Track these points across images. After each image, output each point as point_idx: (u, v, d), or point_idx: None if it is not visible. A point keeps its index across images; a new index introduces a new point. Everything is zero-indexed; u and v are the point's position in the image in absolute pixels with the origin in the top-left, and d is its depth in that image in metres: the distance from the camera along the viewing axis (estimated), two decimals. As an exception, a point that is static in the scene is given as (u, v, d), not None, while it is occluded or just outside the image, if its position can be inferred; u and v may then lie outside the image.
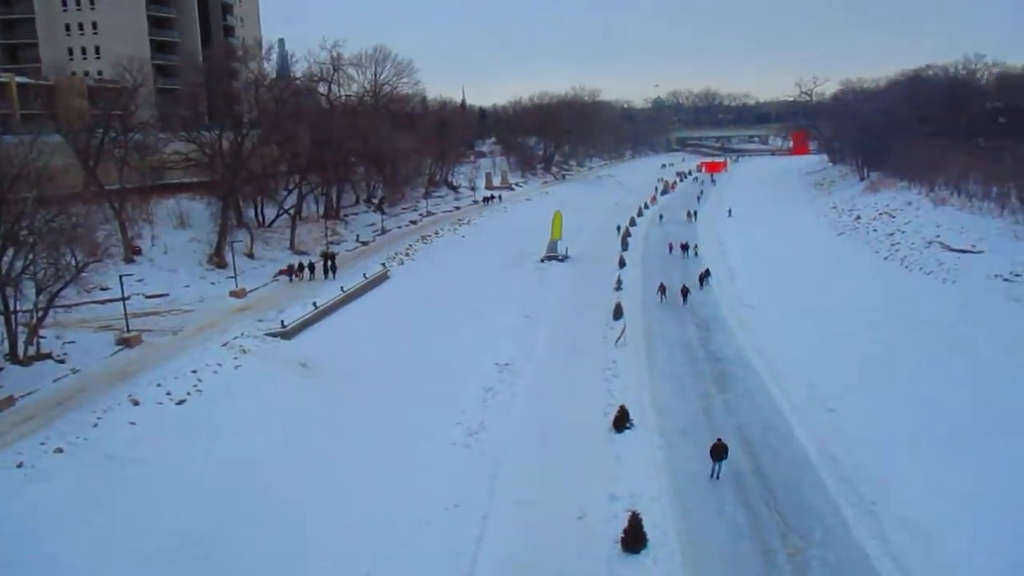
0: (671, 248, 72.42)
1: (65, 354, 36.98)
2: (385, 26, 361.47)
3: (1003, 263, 48.88)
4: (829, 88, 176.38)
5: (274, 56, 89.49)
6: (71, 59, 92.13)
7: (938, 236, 59.04)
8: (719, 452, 26.79)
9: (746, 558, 22.03)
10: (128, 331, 39.69)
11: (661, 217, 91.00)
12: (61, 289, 36.48)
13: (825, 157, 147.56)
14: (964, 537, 22.02)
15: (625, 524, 23.01)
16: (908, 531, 22.74)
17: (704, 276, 58.15)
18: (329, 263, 59.22)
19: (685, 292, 52.69)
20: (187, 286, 52.28)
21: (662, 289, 53.49)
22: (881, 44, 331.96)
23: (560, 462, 29.04)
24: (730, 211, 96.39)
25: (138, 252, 54.27)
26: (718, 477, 26.66)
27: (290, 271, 57.83)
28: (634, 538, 22.70)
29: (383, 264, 63.51)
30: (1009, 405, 30.07)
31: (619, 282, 57.78)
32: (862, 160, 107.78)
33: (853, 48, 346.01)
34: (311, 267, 58.13)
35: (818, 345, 39.64)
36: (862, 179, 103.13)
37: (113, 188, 55.02)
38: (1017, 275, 46.42)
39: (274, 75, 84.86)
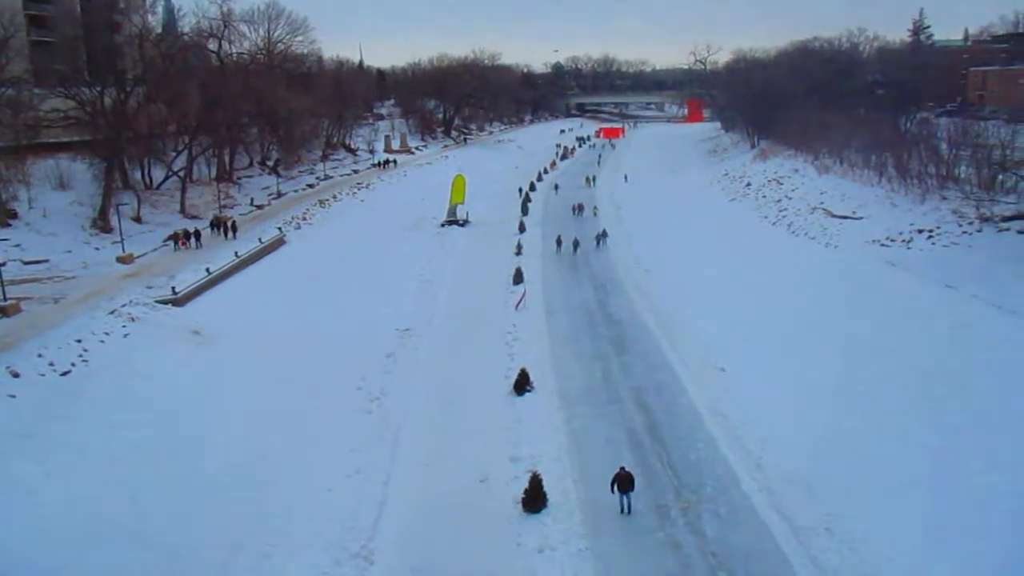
0: (574, 210, 74.62)
1: (-66, 324, 34.68)
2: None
3: (880, 229, 51.65)
4: (722, 57, 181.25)
5: (159, 10, 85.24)
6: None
7: (822, 203, 61.73)
8: (625, 484, 22.60)
9: (642, 514, 22.80)
10: (5, 299, 37.45)
11: (557, 187, 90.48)
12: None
13: (718, 125, 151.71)
14: (842, 487, 23.41)
15: (526, 485, 23.44)
16: (792, 484, 23.98)
17: (601, 236, 60.09)
18: (223, 228, 57.69)
19: (576, 244, 58.01)
20: (69, 251, 49.67)
21: (558, 241, 58.58)
22: (771, 15, 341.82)
23: (462, 426, 29.28)
24: (626, 177, 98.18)
25: (13, 215, 51.16)
26: (629, 511, 22.65)
27: (175, 238, 54.48)
28: (534, 498, 23.16)
29: (279, 229, 61.93)
30: (882, 360, 31.93)
31: (519, 247, 58.17)
32: (752, 128, 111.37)
33: (745, 18, 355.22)
34: (196, 235, 54.86)
35: (710, 308, 41.00)
36: (753, 147, 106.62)
37: (-16, 147, 51.52)
38: (892, 240, 49.14)
39: (160, 29, 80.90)
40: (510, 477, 24.99)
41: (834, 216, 57.62)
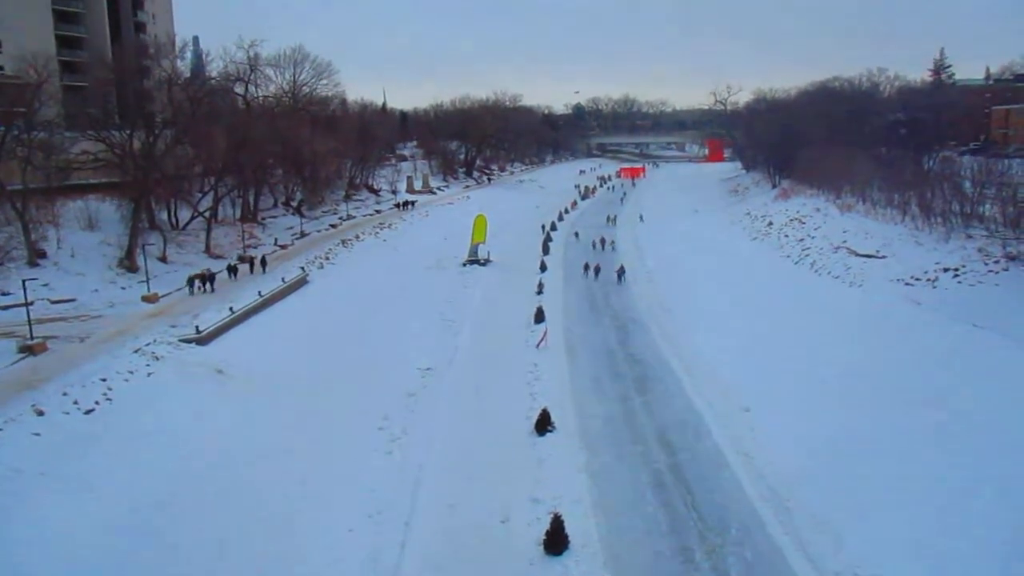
0: (594, 245, 77.54)
1: (-38, 363, 35.10)
2: (304, 27, 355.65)
3: (904, 268, 51.14)
4: (743, 98, 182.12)
5: (188, 54, 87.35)
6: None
7: (845, 242, 61.29)
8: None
9: (665, 557, 22.44)
10: (32, 338, 37.90)
11: (577, 233, 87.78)
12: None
13: (739, 164, 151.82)
14: (872, 533, 22.91)
15: (547, 526, 23.18)
16: (820, 528, 23.52)
17: (620, 272, 62.28)
18: (251, 264, 59.51)
19: (597, 270, 63.82)
20: (96, 291, 50.30)
21: (586, 267, 64.81)
22: (791, 55, 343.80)
23: (483, 466, 29.06)
24: (641, 217, 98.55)
25: (43, 255, 51.97)
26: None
27: (197, 278, 52.89)
28: (556, 540, 22.88)
29: (302, 268, 62.35)
30: (909, 399, 31.40)
31: (540, 286, 58.23)
32: (773, 168, 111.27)
33: (764, 59, 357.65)
34: (210, 278, 53.42)
35: (733, 347, 40.70)
36: (774, 186, 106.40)
37: (16, 188, 52.51)
38: (916, 279, 48.62)
39: (188, 74, 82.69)
40: (532, 518, 24.72)
41: (858, 255, 57.17)
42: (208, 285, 53.05)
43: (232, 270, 57.57)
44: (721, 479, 27.00)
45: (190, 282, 52.50)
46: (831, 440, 28.69)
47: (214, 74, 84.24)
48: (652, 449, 29.78)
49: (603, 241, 79.13)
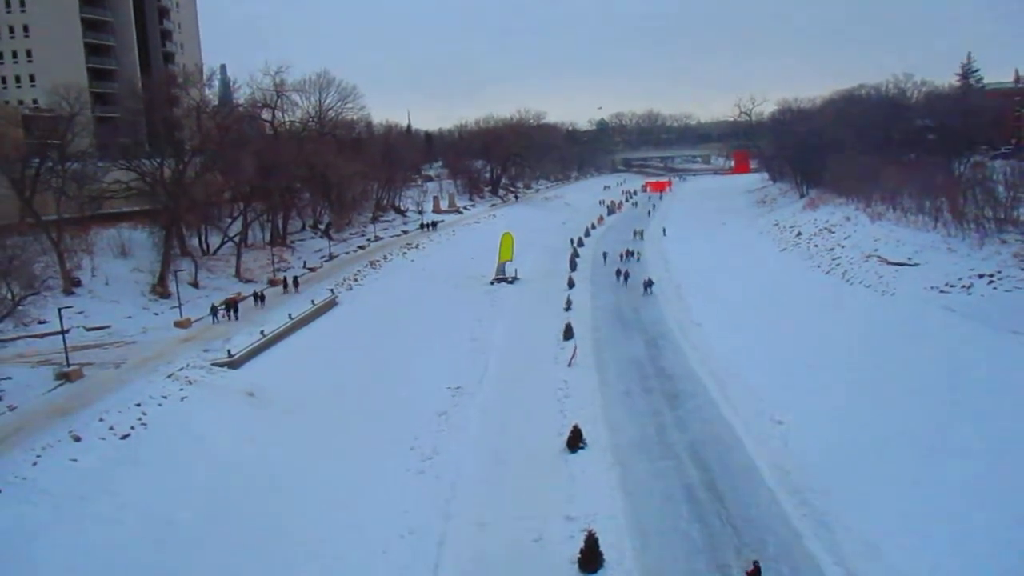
0: (622, 257, 78.47)
1: (2, 391, 35.69)
2: (329, 51, 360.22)
3: (937, 275, 50.37)
4: (767, 108, 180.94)
5: (216, 82, 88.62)
6: (4, 87, 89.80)
7: (876, 250, 60.56)
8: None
9: (702, 574, 22.15)
10: (68, 365, 38.47)
11: (605, 253, 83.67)
12: (-3, 324, 35.29)
13: (766, 175, 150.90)
14: (911, 544, 22.46)
15: (581, 544, 23.00)
16: (859, 542, 23.10)
17: (648, 284, 62.79)
18: (289, 283, 61.70)
19: (627, 275, 66.88)
20: (129, 317, 50.98)
21: (617, 272, 68.11)
22: (815, 64, 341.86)
23: (515, 484, 28.99)
24: (664, 230, 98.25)
25: (78, 283, 52.83)
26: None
27: (215, 311, 51.81)
28: (590, 558, 22.70)
29: (331, 290, 62.82)
30: (947, 409, 30.86)
31: (568, 302, 58.12)
32: (801, 177, 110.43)
33: (788, 69, 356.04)
34: (233, 306, 52.96)
35: (765, 359, 40.33)
36: (802, 196, 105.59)
37: (51, 219, 53.58)
38: (951, 286, 47.85)
39: (216, 102, 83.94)
40: (565, 536, 24.57)
41: (889, 263, 56.42)
42: (232, 313, 52.65)
43: (258, 297, 57.17)
44: (756, 494, 26.66)
45: (213, 311, 51.90)
46: (867, 451, 28.28)
47: (241, 101, 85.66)
48: (685, 464, 29.52)
49: (630, 253, 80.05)
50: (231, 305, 53.34)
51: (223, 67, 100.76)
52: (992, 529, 22.53)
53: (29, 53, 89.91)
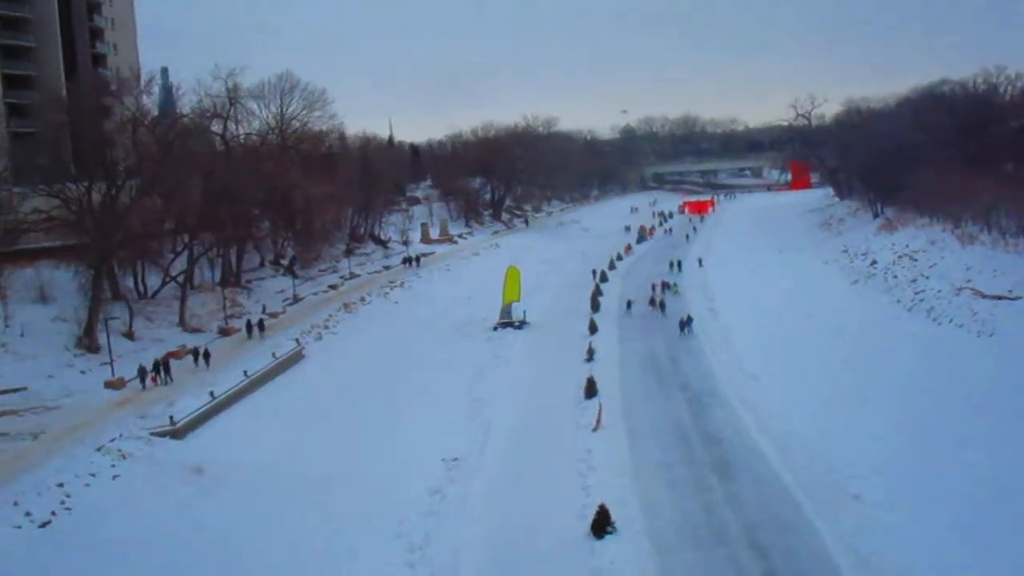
0: (655, 288, 79.09)
1: None
2: (293, 49, 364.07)
3: (1048, 310, 50.31)
4: (830, 109, 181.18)
5: (156, 89, 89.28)
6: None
7: (969, 281, 60.53)
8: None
9: None
10: (-27, 437, 38.48)
11: (628, 303, 76.11)
12: None
13: (830, 191, 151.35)
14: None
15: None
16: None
17: (685, 323, 63.16)
18: (254, 328, 63.42)
19: (663, 304, 71.51)
20: (50, 376, 51.00)
21: (651, 301, 72.82)
22: (887, 56, 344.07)
23: (528, 582, 28.65)
24: (700, 261, 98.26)
25: (-15, 336, 53.00)
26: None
27: (143, 374, 51.44)
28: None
29: (297, 340, 62.87)
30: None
31: (590, 351, 57.96)
32: (874, 193, 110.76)
33: (853, 63, 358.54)
34: (163, 366, 52.66)
35: (837, 419, 40.03)
36: (875, 216, 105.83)
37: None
38: (1066, 324, 47.71)
39: (156, 112, 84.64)
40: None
41: (985, 297, 56.37)
42: (165, 375, 52.19)
43: (200, 355, 56.17)
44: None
45: (141, 374, 51.28)
46: (974, 542, 27.83)
47: (186, 111, 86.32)
48: (740, 553, 29.09)
49: (665, 285, 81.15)
50: (164, 365, 52.80)
51: (164, 70, 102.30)
52: None
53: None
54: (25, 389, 48.77)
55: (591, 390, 48.47)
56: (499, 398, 50.84)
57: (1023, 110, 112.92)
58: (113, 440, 39.32)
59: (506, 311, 71.17)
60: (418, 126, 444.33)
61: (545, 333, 67.68)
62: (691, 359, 56.34)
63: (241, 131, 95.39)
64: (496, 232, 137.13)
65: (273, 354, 57.37)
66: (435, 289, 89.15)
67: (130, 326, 60.26)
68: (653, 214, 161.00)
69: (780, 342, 56.55)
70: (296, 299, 79.05)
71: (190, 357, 56.46)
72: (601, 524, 31.23)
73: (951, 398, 41.22)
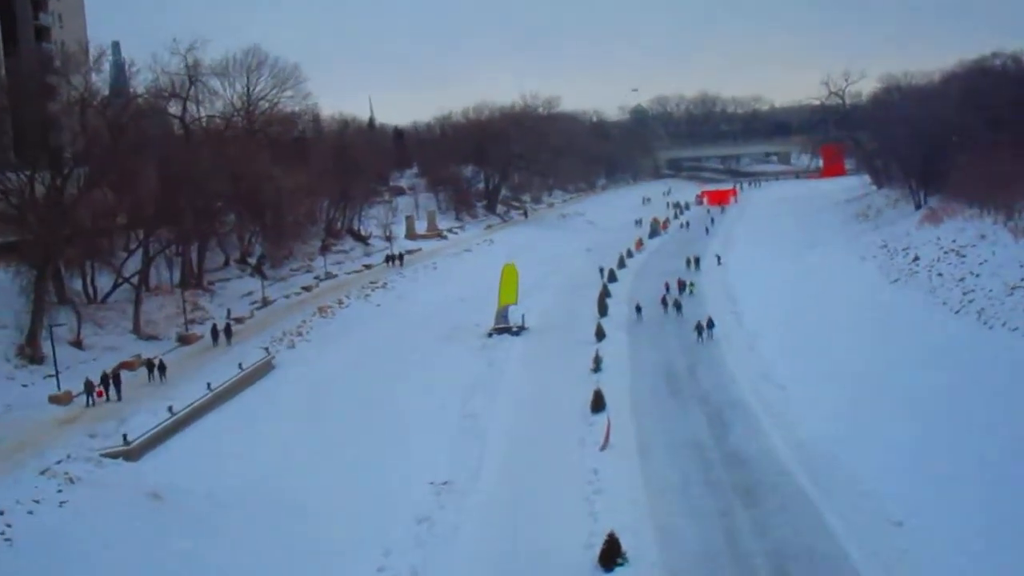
0: (668, 288, 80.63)
1: None
2: (261, 20, 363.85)
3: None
4: (867, 87, 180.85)
5: (106, 66, 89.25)
6: None
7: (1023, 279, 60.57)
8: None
9: None
10: (-99, 460, 38.44)
11: (638, 307, 76.13)
12: None
13: (867, 178, 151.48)
14: None
15: None
16: None
17: (704, 327, 63.86)
18: (220, 334, 63.84)
19: (678, 305, 73.82)
20: (-13, 391, 51.02)
21: (663, 301, 74.80)
22: (929, 27, 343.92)
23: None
24: (719, 258, 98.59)
25: (-86, 346, 52.98)
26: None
27: (89, 389, 50.76)
28: None
29: (266, 349, 62.85)
30: None
31: (597, 361, 57.97)
32: (916, 181, 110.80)
33: (892, 34, 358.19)
34: (113, 380, 52.27)
35: (876, 436, 40.10)
36: (918, 206, 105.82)
37: None
38: None
39: (107, 92, 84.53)
40: None
41: (1044, 297, 56.44)
42: (114, 390, 51.96)
43: (155, 368, 55.70)
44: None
45: (88, 389, 50.77)
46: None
47: (141, 90, 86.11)
48: (768, 586, 29.20)
49: (681, 285, 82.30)
50: (115, 379, 52.62)
51: (116, 45, 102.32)
52: None
53: None
54: (-41, 405, 48.77)
55: (598, 404, 48.48)
56: (495, 413, 50.87)
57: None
58: (60, 462, 39.22)
59: (502, 315, 71.14)
60: (403, 107, 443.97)
61: (546, 339, 67.75)
62: (710, 368, 56.43)
63: (203, 113, 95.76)
64: (490, 226, 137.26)
65: (240, 365, 57.32)
66: (422, 290, 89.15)
67: (78, 333, 60.14)
68: (667, 205, 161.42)
69: (810, 349, 56.61)
70: (265, 302, 78.99)
71: (144, 370, 56.27)
72: (610, 555, 31.23)
73: (1005, 413, 41.23)
